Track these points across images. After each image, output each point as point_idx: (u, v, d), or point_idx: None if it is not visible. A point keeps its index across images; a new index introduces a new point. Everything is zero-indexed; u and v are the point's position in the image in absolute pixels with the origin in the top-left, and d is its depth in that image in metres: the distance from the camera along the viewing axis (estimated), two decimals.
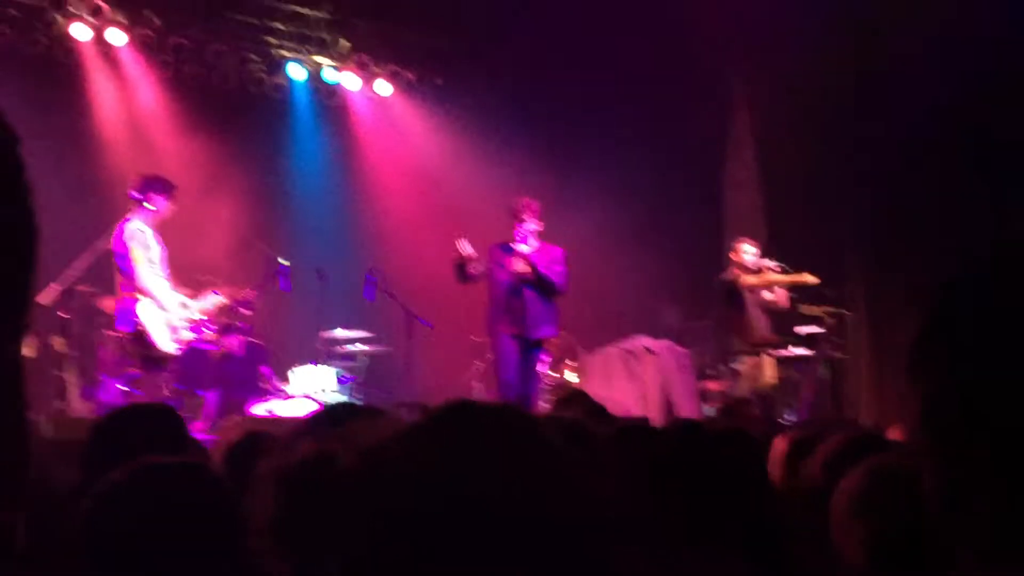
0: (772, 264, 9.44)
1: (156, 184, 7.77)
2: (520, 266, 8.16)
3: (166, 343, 7.68)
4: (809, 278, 9.36)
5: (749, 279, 9.39)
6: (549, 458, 0.99)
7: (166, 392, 7.62)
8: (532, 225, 8.24)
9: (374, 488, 0.96)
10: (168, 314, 7.65)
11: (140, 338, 7.55)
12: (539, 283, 8.17)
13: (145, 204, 7.63)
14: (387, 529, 0.92)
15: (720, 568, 1.94)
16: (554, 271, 8.21)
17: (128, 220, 7.65)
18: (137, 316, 7.50)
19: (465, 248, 8.17)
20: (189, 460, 1.73)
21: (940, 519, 1.00)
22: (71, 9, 9.85)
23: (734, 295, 9.43)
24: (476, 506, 0.93)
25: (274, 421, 6.92)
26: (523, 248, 8.21)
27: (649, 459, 1.92)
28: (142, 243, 7.58)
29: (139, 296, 7.49)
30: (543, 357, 8.82)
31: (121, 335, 7.55)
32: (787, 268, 9.41)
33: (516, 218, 8.23)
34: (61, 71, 10.04)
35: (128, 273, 7.50)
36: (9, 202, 0.46)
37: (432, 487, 0.94)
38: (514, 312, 8.16)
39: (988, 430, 0.96)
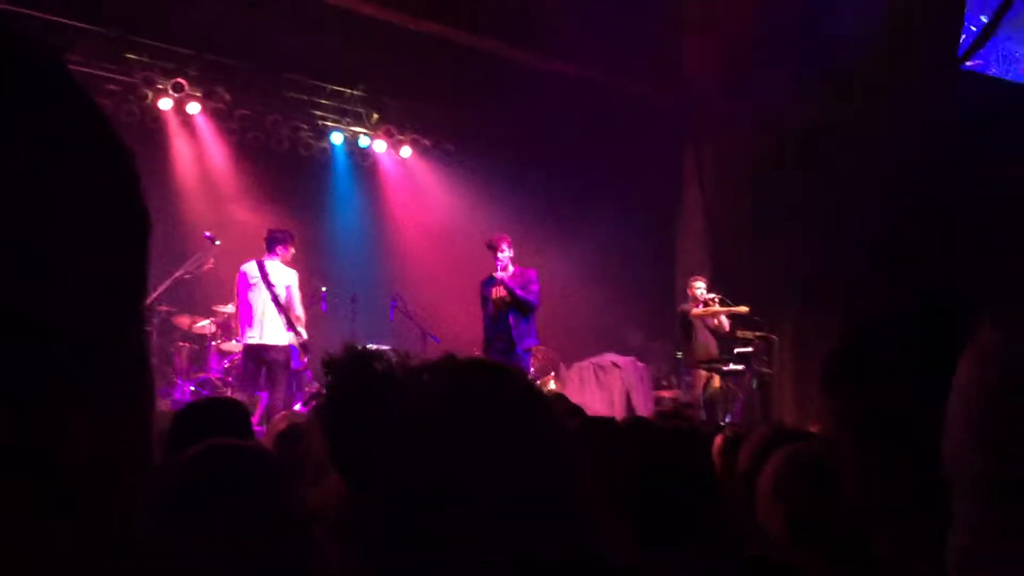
0: (715, 297, 9.51)
1: (285, 236, 7.91)
2: (499, 292, 7.86)
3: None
4: (742, 308, 9.42)
5: (697, 310, 9.45)
6: (547, 414, 0.98)
7: (228, 392, 7.60)
8: (507, 253, 7.87)
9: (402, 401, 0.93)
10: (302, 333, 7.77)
11: (296, 351, 7.72)
12: (516, 304, 7.84)
13: (281, 250, 7.74)
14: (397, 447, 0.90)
15: (675, 554, 1.89)
16: (530, 291, 7.88)
17: (268, 260, 7.75)
18: (301, 334, 7.65)
19: None
20: (252, 443, 1.76)
21: (856, 507, 1.01)
22: (159, 85, 9.95)
23: (686, 322, 9.49)
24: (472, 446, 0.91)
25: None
26: (502, 275, 7.86)
27: (610, 446, 1.91)
28: (296, 280, 7.74)
29: (290, 319, 7.58)
30: (528, 367, 8.64)
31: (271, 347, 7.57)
32: (727, 300, 9.48)
33: (493, 250, 7.92)
34: (148, 136, 10.08)
35: (282, 301, 7.54)
36: (134, 201, 0.47)
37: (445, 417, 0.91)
38: (501, 332, 7.88)
39: (895, 437, 0.98)
